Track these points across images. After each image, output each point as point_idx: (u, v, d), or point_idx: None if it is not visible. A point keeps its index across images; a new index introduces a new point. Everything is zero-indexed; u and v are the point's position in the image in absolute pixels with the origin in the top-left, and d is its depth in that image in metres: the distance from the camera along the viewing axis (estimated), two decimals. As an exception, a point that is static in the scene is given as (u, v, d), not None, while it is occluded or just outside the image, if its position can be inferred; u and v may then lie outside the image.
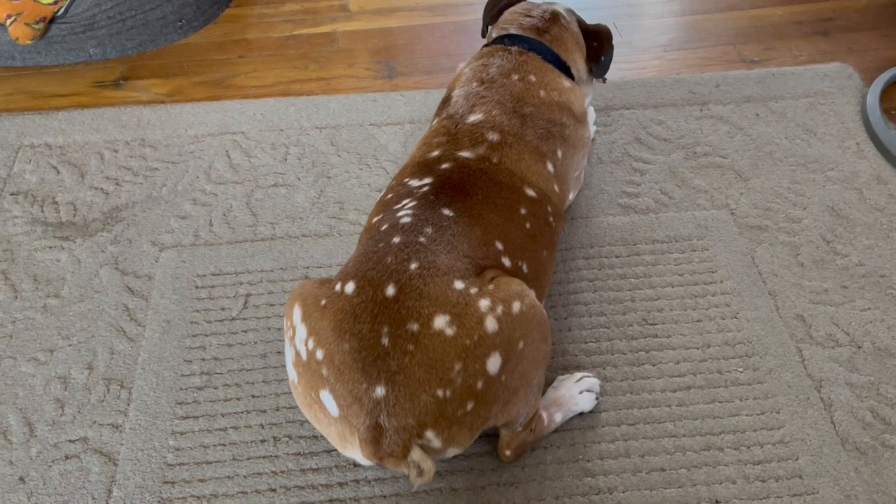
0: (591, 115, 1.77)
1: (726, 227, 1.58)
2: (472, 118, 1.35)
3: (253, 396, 1.31)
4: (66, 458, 1.24)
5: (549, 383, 1.30)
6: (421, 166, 1.31)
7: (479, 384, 1.05)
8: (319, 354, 1.07)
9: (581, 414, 1.28)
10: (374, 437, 1.03)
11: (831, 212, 1.61)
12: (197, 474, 1.22)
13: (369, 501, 1.19)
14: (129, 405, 1.30)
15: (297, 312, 1.13)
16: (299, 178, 1.70)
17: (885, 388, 1.32)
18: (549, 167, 1.36)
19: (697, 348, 1.38)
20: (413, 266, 1.10)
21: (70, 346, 1.39)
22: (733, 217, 1.60)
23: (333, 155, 1.75)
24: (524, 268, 1.24)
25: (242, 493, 1.20)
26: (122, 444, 1.25)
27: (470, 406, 1.05)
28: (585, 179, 1.67)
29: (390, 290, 1.08)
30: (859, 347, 1.37)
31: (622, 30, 2.10)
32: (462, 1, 2.27)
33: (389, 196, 1.28)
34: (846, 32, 2.10)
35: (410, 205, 1.22)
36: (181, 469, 1.22)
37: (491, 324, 1.06)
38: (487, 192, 1.25)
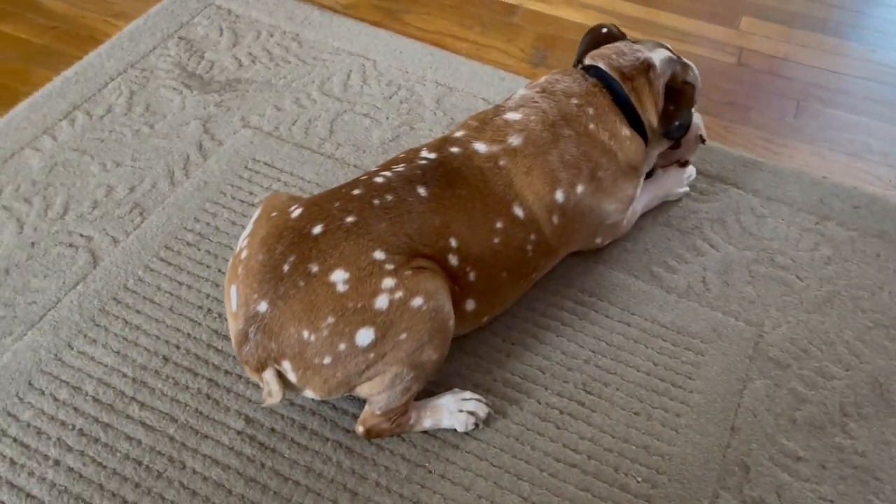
0: (690, 174, 1.64)
1: (741, 345, 1.41)
2: (510, 116, 1.35)
3: (219, 270, 1.47)
4: (70, 245, 1.50)
5: (448, 389, 1.30)
6: (442, 141, 1.35)
7: (342, 346, 1.10)
8: (244, 254, 1.19)
9: (455, 430, 1.27)
10: (240, 342, 1.14)
11: (875, 387, 1.36)
12: (138, 305, 1.41)
13: (237, 396, 1.30)
14: (134, 230, 1.53)
15: (256, 213, 1.26)
16: (387, 118, 1.79)
17: (775, 583, 1.14)
18: (558, 196, 1.32)
19: (613, 437, 1.28)
20: (349, 219, 1.17)
21: (131, 167, 1.65)
22: (758, 340, 1.42)
23: (430, 111, 1.82)
24: (471, 275, 1.24)
25: (157, 337, 1.37)
26: (109, 256, 1.48)
27: (327, 360, 1.11)
28: (640, 236, 1.56)
29: (317, 229, 1.16)
30: (783, 531, 1.19)
31: (801, 110, 1.88)
32: (648, 24, 2.16)
33: (402, 155, 1.35)
34: None
35: (398, 169, 1.27)
36: (131, 295, 1.43)
37: (382, 302, 1.10)
38: (472, 192, 1.26)
